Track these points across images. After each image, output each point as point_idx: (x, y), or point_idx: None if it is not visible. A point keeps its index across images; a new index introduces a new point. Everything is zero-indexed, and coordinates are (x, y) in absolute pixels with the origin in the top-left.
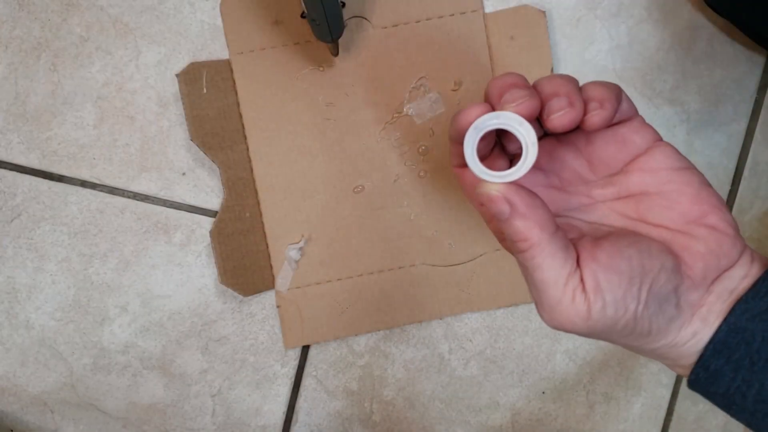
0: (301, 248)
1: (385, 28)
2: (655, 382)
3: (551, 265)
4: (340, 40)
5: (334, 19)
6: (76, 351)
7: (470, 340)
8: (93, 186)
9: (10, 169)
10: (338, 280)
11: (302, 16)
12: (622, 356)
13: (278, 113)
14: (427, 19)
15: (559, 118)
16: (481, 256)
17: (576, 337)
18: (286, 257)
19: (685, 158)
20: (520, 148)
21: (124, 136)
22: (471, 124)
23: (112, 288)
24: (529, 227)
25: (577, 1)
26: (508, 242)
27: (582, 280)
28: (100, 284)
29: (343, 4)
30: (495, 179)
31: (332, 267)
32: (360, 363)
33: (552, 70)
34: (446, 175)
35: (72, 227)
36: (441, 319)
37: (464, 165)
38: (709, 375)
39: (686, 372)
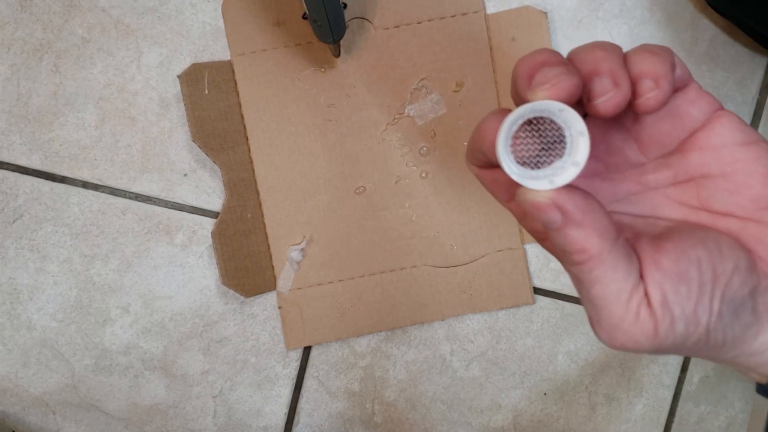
0: (302, 249)
1: (387, 29)
2: (657, 383)
3: (613, 278)
4: (342, 42)
5: (336, 20)
6: (77, 352)
7: (472, 342)
8: (95, 187)
9: (12, 171)
10: (339, 281)
11: (304, 17)
12: (624, 357)
13: (280, 114)
14: (428, 21)
15: (604, 104)
16: (482, 257)
17: (577, 338)
18: (288, 258)
19: (752, 130)
20: (559, 137)
21: (126, 137)
22: (497, 132)
23: (113, 289)
24: (586, 236)
25: (579, 2)
26: (558, 252)
27: (646, 293)
28: (102, 285)
29: (345, 5)
30: (542, 186)
31: (333, 268)
32: (361, 364)
33: None
34: (448, 176)
35: (74, 228)
36: (443, 320)
37: (486, 165)
38: None
39: (764, 380)
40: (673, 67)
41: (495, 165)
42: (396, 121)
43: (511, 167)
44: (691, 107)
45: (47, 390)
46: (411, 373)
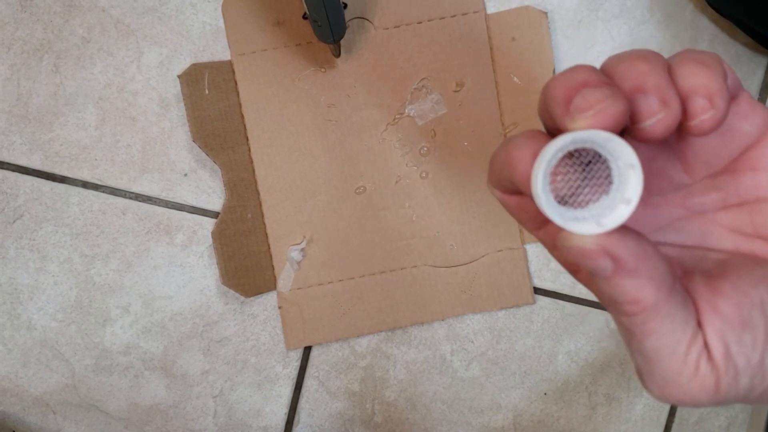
0: (302, 249)
1: (387, 29)
2: None
3: (669, 329)
4: (342, 42)
5: (336, 20)
6: (77, 352)
7: (472, 342)
8: (95, 187)
9: (13, 171)
10: (340, 281)
11: (304, 17)
12: (624, 357)
13: (280, 114)
14: (428, 20)
15: (652, 128)
16: (483, 257)
17: (577, 338)
18: (288, 258)
19: None
20: (605, 169)
21: (126, 137)
22: (531, 164)
23: (113, 289)
24: (641, 286)
25: (579, 2)
26: (604, 299)
27: (706, 344)
28: (102, 285)
29: (345, 5)
30: (589, 229)
31: (334, 268)
32: (362, 364)
33: (554, 71)
34: (448, 176)
35: (74, 228)
36: (443, 320)
37: (512, 191)
38: None
39: None
40: (726, 79)
41: (523, 191)
42: (396, 121)
43: (551, 209)
44: (743, 122)
45: (47, 390)
46: (411, 373)
